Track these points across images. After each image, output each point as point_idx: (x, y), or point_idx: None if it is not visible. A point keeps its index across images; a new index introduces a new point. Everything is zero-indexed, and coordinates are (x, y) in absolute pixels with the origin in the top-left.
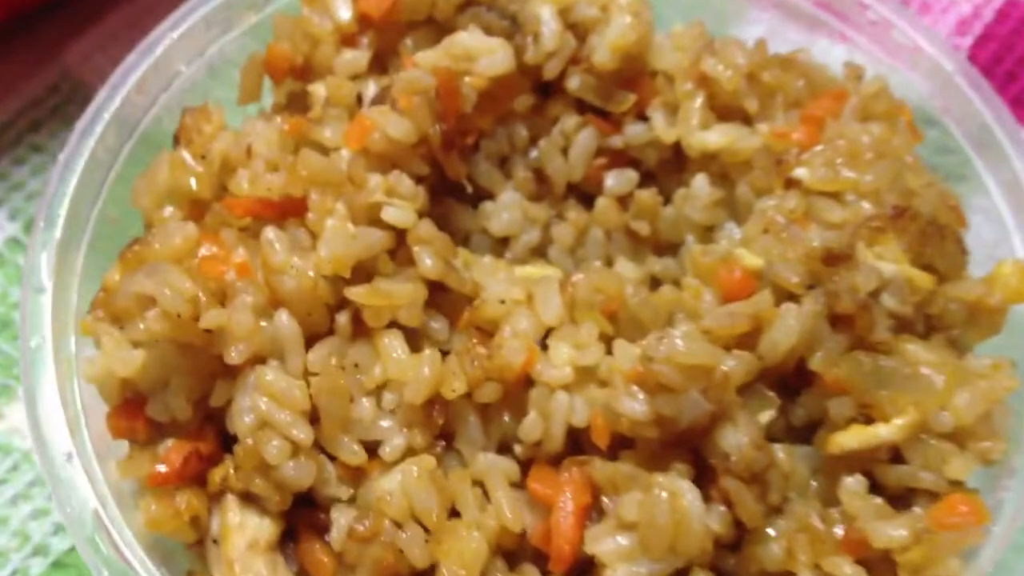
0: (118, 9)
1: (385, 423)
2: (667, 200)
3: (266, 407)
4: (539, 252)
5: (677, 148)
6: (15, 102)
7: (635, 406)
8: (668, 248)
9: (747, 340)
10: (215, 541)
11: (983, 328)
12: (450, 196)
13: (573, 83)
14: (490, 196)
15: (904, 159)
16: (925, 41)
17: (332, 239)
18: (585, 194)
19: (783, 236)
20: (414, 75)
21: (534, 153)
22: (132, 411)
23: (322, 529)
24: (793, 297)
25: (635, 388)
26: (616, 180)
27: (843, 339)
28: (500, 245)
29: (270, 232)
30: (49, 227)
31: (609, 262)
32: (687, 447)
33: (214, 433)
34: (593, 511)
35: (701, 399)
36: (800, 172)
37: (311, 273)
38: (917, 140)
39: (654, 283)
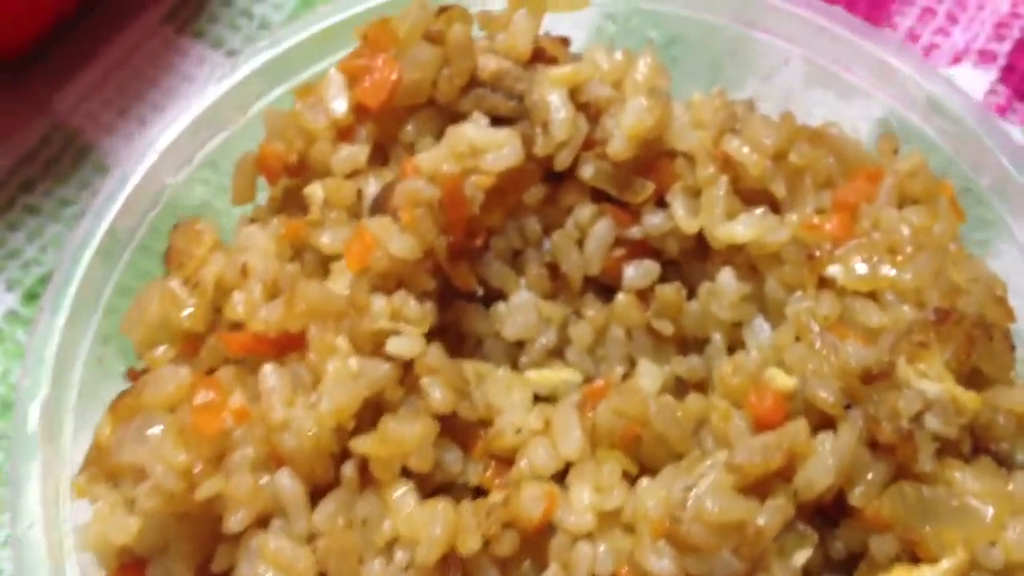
0: (104, 52)
1: None
2: (691, 291)
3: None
4: (557, 353)
5: (700, 235)
6: (5, 158)
7: (662, 563)
8: (693, 344)
9: (783, 470)
10: None
11: None
12: (461, 299)
13: (587, 171)
14: (502, 296)
15: (947, 247)
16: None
17: (334, 386)
18: (604, 286)
19: (818, 347)
20: (415, 186)
21: (547, 245)
22: (131, 573)
23: None
24: (830, 418)
25: (662, 543)
26: (636, 272)
27: (884, 467)
28: (515, 347)
29: (269, 375)
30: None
31: (631, 361)
32: None
33: None
34: None
35: (733, 559)
36: (834, 270)
37: (313, 430)
38: (960, 221)
39: (679, 385)
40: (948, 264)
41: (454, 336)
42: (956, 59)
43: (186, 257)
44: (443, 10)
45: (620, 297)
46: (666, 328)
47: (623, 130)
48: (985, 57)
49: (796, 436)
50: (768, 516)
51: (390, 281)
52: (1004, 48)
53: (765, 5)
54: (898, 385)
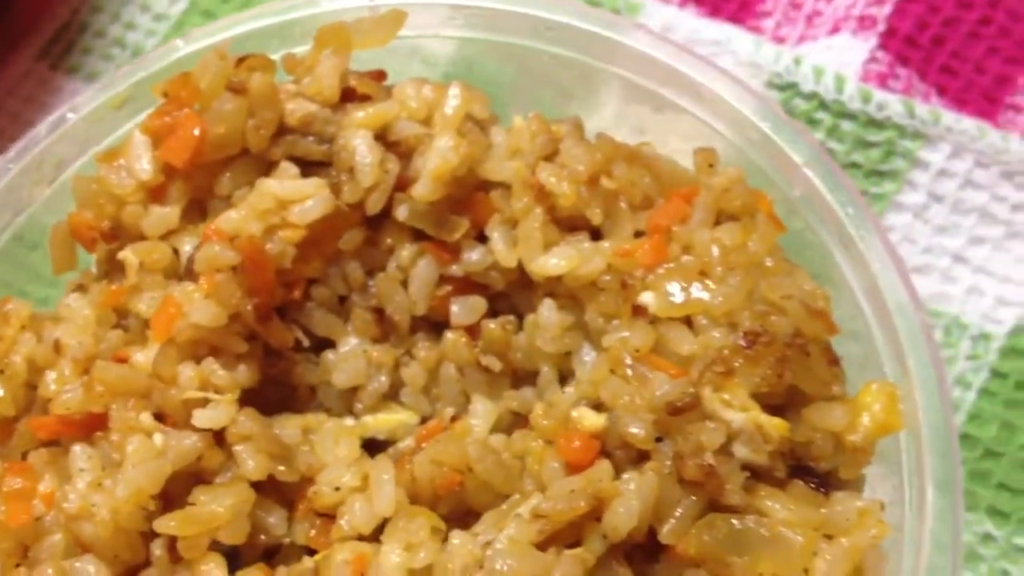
0: None
1: None
2: (521, 322)
3: None
4: (392, 396)
5: (524, 270)
6: None
7: None
8: (526, 377)
9: (593, 512)
10: None
11: (851, 464)
12: (289, 350)
13: (402, 213)
14: (331, 344)
15: (762, 263)
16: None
17: (134, 467)
18: (434, 323)
19: (629, 380)
20: (213, 251)
21: (372, 289)
22: None
23: None
24: (645, 452)
25: None
26: (462, 309)
27: (695, 502)
28: (350, 394)
29: (78, 457)
30: None
31: (467, 397)
32: None
33: None
34: None
35: None
36: (646, 298)
37: (108, 516)
38: (779, 231)
39: (515, 419)
40: (762, 282)
41: (287, 388)
42: (835, 28)
43: None
44: (242, 60)
45: (448, 335)
46: (494, 364)
47: (428, 171)
48: (864, 24)
49: (601, 479)
50: (566, 568)
51: (201, 347)
52: (884, 11)
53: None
54: (705, 416)
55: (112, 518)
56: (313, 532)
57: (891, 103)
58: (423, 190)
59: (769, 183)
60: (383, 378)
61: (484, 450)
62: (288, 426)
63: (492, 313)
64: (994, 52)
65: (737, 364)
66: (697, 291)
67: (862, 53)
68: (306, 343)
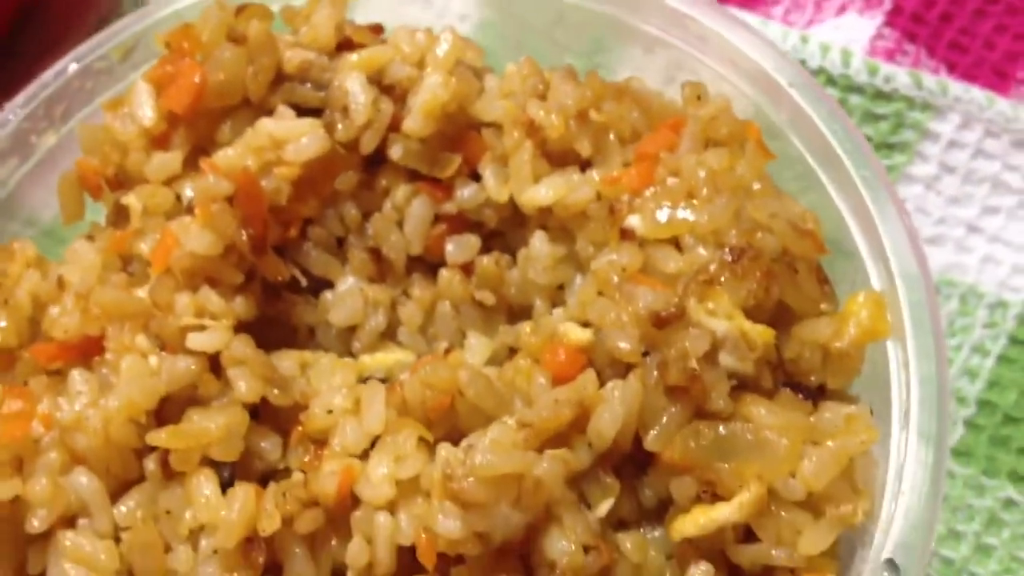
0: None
1: (206, 570)
2: (515, 259)
3: (75, 573)
4: (389, 335)
5: (517, 207)
6: None
7: (448, 523)
8: (520, 312)
9: (579, 423)
10: None
11: (839, 373)
12: (287, 290)
13: (395, 152)
14: (328, 284)
15: (749, 187)
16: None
17: (128, 381)
18: (429, 264)
19: (616, 298)
20: (208, 183)
21: (369, 230)
22: None
23: None
24: (631, 367)
25: (448, 504)
26: (457, 247)
27: (680, 410)
28: (347, 333)
29: (76, 379)
30: None
31: (463, 335)
32: (517, 555)
33: None
34: None
35: (512, 512)
36: (632, 221)
37: (99, 426)
38: (767, 159)
39: (511, 354)
40: (749, 202)
41: (286, 329)
42: (842, 9)
43: (1, 277)
44: (242, 9)
45: (443, 273)
46: (488, 299)
47: (418, 106)
48: (870, 2)
49: (585, 388)
50: (546, 467)
51: (197, 278)
52: None
53: None
54: (690, 327)
55: (104, 429)
56: (307, 458)
57: (898, 75)
58: (414, 124)
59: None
60: (380, 317)
61: (475, 374)
62: (286, 359)
63: (486, 252)
64: (1003, 29)
65: (723, 278)
66: (683, 212)
67: (869, 30)
68: (304, 283)
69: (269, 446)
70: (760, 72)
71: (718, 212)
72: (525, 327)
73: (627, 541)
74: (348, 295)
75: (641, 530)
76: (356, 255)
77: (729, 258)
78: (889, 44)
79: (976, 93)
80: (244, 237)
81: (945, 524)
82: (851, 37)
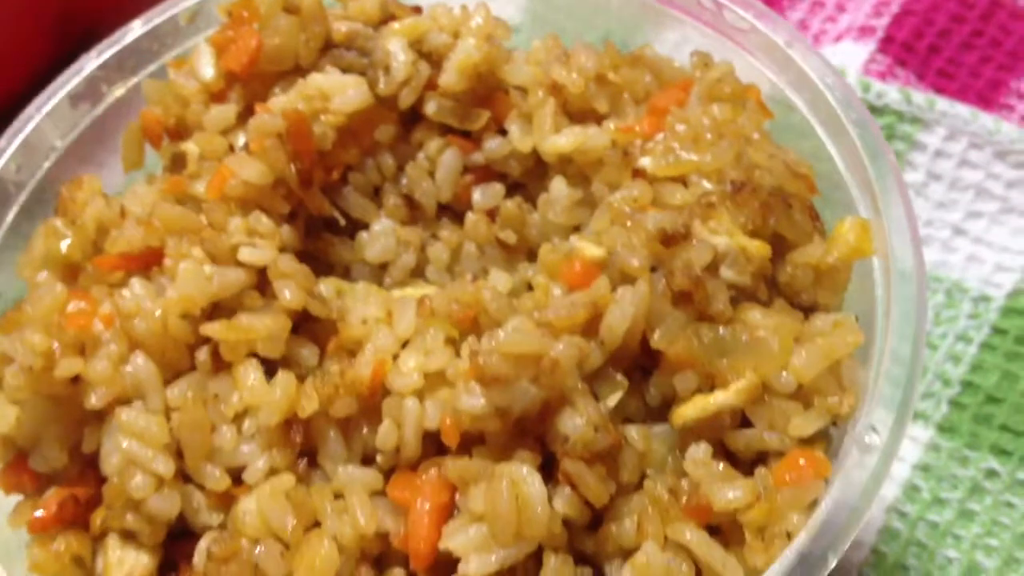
0: None
1: (247, 448)
2: (536, 206)
3: (128, 445)
4: (418, 273)
5: (539, 157)
6: None
7: (472, 401)
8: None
9: (591, 327)
10: None
11: (828, 288)
12: (326, 231)
13: (431, 108)
14: (364, 226)
15: (750, 136)
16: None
17: (184, 280)
18: (456, 212)
19: (628, 225)
20: (263, 119)
21: (404, 180)
22: (18, 467)
23: None
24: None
25: (472, 384)
26: (483, 195)
27: (684, 315)
28: (379, 271)
29: (135, 283)
30: None
31: (486, 273)
32: (533, 436)
33: (94, 479)
34: (453, 511)
35: (531, 387)
36: (644, 161)
37: (158, 313)
38: (766, 117)
39: (531, 290)
40: (750, 147)
41: (324, 266)
42: (839, 37)
43: (70, 203)
44: None
45: (470, 216)
46: (510, 238)
47: (454, 64)
48: (865, 32)
49: (598, 291)
50: (563, 349)
51: (248, 206)
52: (882, 23)
53: None
54: (694, 242)
55: (162, 318)
56: (342, 367)
57: (889, 92)
58: (449, 80)
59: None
60: (410, 255)
61: (497, 293)
62: (324, 285)
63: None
64: (987, 60)
65: (725, 206)
66: (689, 154)
67: (863, 55)
68: (342, 223)
69: (307, 353)
70: (793, 68)
71: (721, 153)
72: (544, 246)
73: (633, 432)
74: (382, 234)
75: (646, 425)
76: (391, 200)
77: (730, 189)
78: (881, 68)
79: (961, 108)
80: (293, 171)
81: (931, 492)
82: (847, 61)
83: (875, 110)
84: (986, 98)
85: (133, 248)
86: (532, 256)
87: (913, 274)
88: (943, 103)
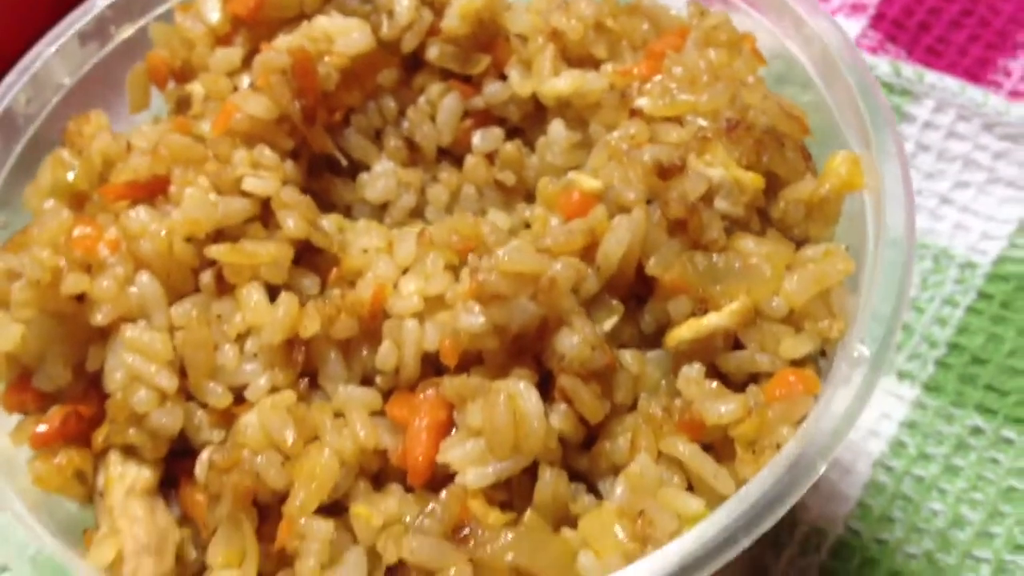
0: None
1: (249, 367)
2: (534, 152)
3: (132, 361)
4: (417, 214)
5: (538, 102)
6: None
7: (471, 319)
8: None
9: (588, 254)
10: (100, 494)
11: (819, 221)
12: (328, 171)
13: (432, 52)
14: (366, 167)
15: (744, 80)
16: None
17: (189, 205)
18: (456, 156)
19: (623, 160)
20: (269, 56)
21: (405, 124)
22: (21, 385)
23: None
24: None
25: (471, 303)
26: (482, 138)
27: (679, 243)
28: (380, 211)
29: (140, 210)
30: None
31: (484, 213)
32: (530, 355)
33: (97, 398)
34: (450, 429)
35: (529, 304)
36: (641, 102)
37: (164, 234)
38: (760, 64)
39: (527, 232)
40: (744, 90)
41: (326, 206)
42: (831, 13)
43: (77, 137)
44: None
45: (469, 159)
46: (509, 179)
47: (455, 9)
48: (856, 9)
49: (596, 219)
50: (561, 268)
51: (252, 140)
52: (874, 0)
53: None
54: (690, 177)
55: (168, 238)
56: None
57: (879, 64)
58: (451, 24)
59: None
60: (411, 196)
61: (496, 227)
62: (325, 220)
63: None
64: (975, 39)
65: (720, 141)
66: (685, 95)
67: (855, 30)
68: (344, 163)
69: (309, 283)
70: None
71: (717, 94)
72: (542, 180)
73: (627, 356)
74: (383, 175)
75: (640, 351)
76: (391, 142)
77: (725, 126)
78: (872, 43)
79: (949, 81)
80: (297, 108)
81: (917, 448)
82: None
83: None
84: (974, 75)
85: (139, 176)
86: (530, 198)
87: (903, 195)
88: (932, 76)
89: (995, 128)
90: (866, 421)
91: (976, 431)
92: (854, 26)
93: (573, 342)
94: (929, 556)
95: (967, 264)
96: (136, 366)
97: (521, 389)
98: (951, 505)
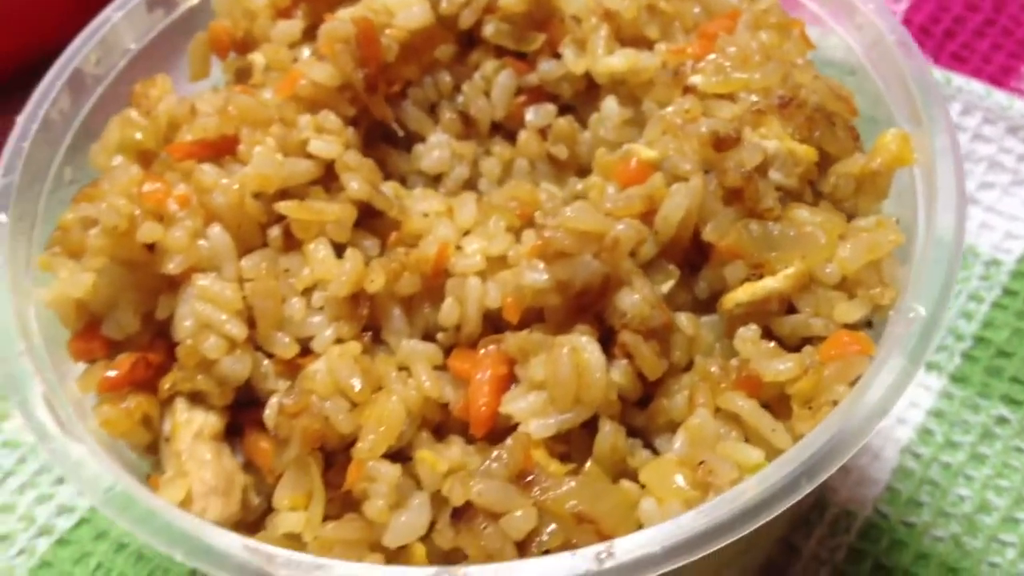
0: None
1: (315, 319)
2: (585, 128)
3: (203, 309)
4: (470, 186)
5: (590, 81)
6: None
7: (535, 276)
8: (589, 170)
9: (645, 221)
10: (167, 440)
11: (870, 195)
12: (384, 143)
13: (489, 29)
14: (421, 139)
15: (794, 61)
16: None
17: (259, 162)
18: (509, 131)
19: (678, 133)
20: (334, 24)
21: (460, 98)
22: (89, 334)
23: (264, 423)
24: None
25: (535, 261)
26: (536, 114)
27: (734, 211)
28: (434, 183)
29: (207, 168)
30: (8, 172)
31: (537, 187)
32: (591, 313)
33: (164, 347)
34: (511, 384)
35: (593, 261)
36: (695, 79)
37: (236, 186)
38: (808, 47)
39: None
40: (795, 70)
41: (382, 175)
42: None
43: (144, 99)
44: None
45: (523, 133)
46: (562, 152)
47: None
48: None
49: (654, 185)
50: (623, 228)
51: (316, 106)
52: (901, 7)
53: None
54: (746, 147)
55: (239, 191)
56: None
57: None
58: (507, 1)
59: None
60: (464, 168)
61: (552, 195)
62: (384, 187)
63: None
64: (999, 47)
65: (774, 115)
66: (739, 73)
67: None
68: (400, 134)
69: (370, 245)
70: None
71: (769, 73)
72: (599, 150)
73: (682, 318)
74: (437, 146)
75: (694, 315)
76: (446, 115)
77: (777, 103)
78: None
79: (976, 85)
80: (360, 76)
81: (944, 436)
82: None
83: None
84: (998, 82)
85: (208, 135)
86: (581, 172)
87: (953, 167)
88: (959, 79)
89: (1020, 131)
90: (894, 409)
91: (1002, 420)
92: None
93: (634, 300)
94: (956, 539)
95: (992, 262)
96: (207, 314)
97: (584, 342)
98: (977, 491)
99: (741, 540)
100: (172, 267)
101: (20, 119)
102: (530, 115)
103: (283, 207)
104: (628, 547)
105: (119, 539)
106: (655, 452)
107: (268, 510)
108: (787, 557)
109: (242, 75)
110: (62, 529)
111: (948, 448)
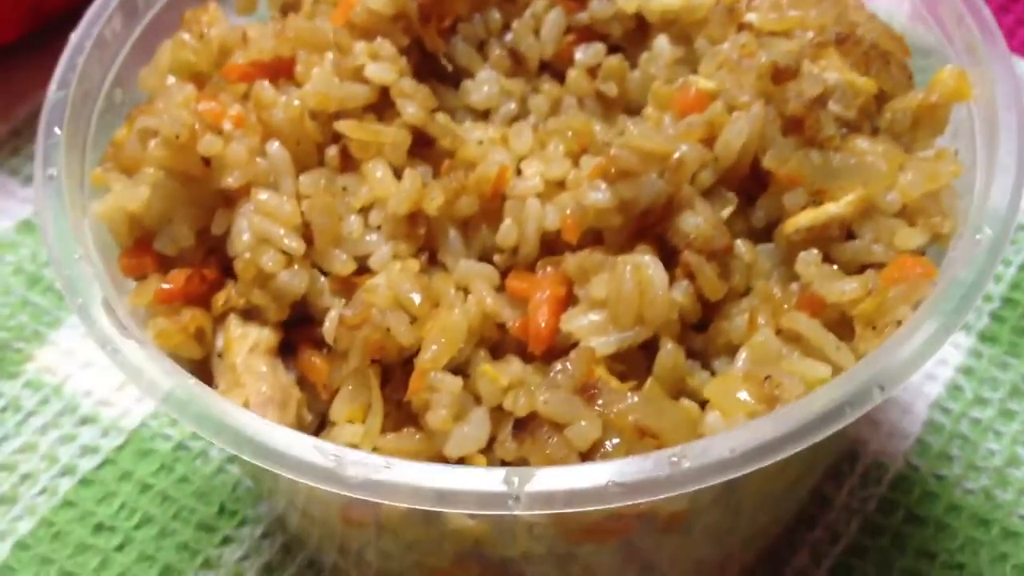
0: None
1: (372, 237)
2: (635, 68)
3: (261, 223)
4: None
5: (641, 21)
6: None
7: (598, 195)
8: (637, 110)
9: (706, 143)
10: (220, 355)
11: (927, 128)
12: (432, 78)
13: None
14: (470, 75)
15: (849, 2)
16: None
17: (319, 80)
18: (557, 71)
19: (736, 67)
20: None
21: (508, 36)
22: (142, 249)
23: (319, 342)
24: None
25: (598, 181)
26: (585, 53)
27: (794, 141)
28: (482, 118)
29: (265, 87)
30: (62, 87)
31: None
32: (652, 235)
33: (217, 264)
34: (569, 306)
35: (658, 180)
36: (750, 16)
37: (297, 103)
38: None
39: None
40: (850, 11)
41: None
42: None
43: (195, 24)
44: None
45: (572, 72)
46: (611, 90)
47: None
48: None
49: (714, 112)
50: (687, 149)
51: (370, 34)
52: None
53: None
54: (804, 79)
55: (299, 108)
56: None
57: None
58: None
59: None
60: (513, 104)
61: (606, 128)
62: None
63: None
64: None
65: (833, 49)
66: (794, 11)
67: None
68: (449, 68)
69: (424, 171)
70: None
71: (825, 10)
72: (656, 81)
73: (740, 245)
74: (486, 81)
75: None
76: (495, 52)
77: (834, 38)
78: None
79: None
80: (414, 5)
81: (973, 392)
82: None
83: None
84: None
85: (264, 56)
86: (630, 111)
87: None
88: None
89: None
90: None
91: None
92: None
93: (697, 222)
94: (987, 492)
95: (1020, 226)
96: (265, 228)
97: (647, 260)
98: (1007, 446)
99: (805, 458)
100: (231, 181)
101: (73, 36)
102: (579, 54)
103: (342, 126)
104: (700, 450)
105: (143, 480)
106: (713, 374)
107: (320, 428)
108: (820, 507)
109: (288, 9)
110: (85, 469)
111: (977, 404)
